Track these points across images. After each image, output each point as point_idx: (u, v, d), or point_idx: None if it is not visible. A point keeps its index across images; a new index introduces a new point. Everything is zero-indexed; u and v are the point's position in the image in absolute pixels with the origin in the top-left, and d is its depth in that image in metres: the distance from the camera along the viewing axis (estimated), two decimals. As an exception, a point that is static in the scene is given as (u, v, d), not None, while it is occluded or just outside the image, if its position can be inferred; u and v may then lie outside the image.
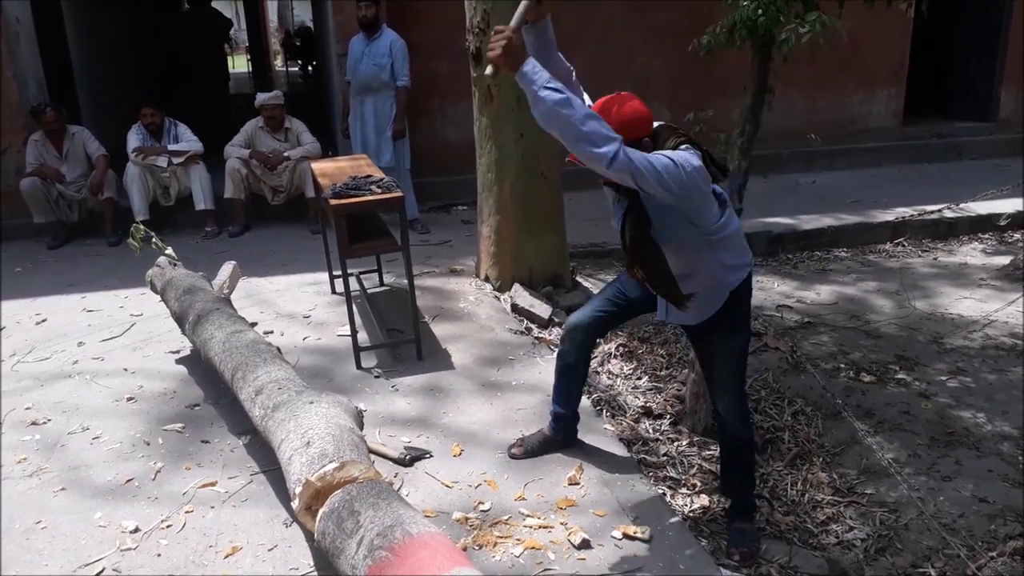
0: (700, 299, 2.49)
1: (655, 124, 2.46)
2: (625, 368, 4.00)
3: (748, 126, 3.24)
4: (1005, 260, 5.69)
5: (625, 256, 2.54)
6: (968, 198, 6.66)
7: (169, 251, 4.15)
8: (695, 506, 3.00)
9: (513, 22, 2.26)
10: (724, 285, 2.51)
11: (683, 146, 2.37)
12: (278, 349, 3.23)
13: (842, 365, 4.09)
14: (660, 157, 2.25)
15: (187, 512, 2.71)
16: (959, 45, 8.90)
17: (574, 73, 2.56)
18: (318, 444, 2.35)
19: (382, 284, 4.97)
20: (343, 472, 2.23)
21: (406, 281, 3.84)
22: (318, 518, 2.19)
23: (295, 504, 2.25)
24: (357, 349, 3.80)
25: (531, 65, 2.21)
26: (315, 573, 2.39)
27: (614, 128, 2.22)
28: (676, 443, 3.40)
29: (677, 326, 3.01)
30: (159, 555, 2.49)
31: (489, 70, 2.28)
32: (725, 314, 2.55)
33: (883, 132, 8.27)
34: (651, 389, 3.82)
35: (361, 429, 2.70)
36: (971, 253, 6.03)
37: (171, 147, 6.24)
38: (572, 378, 3.03)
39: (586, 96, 2.57)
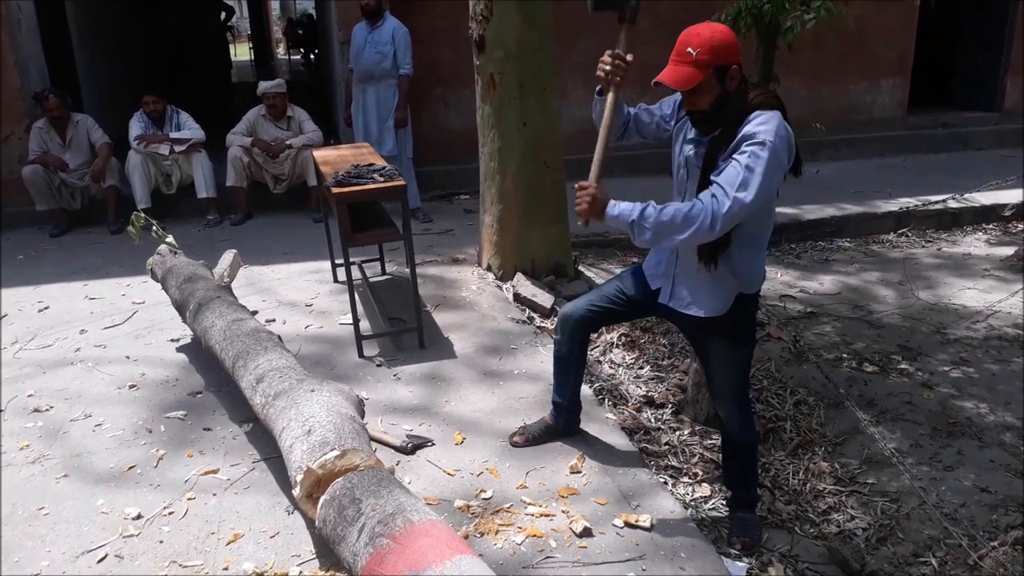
0: (709, 290, 2.45)
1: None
2: (627, 357, 4.00)
3: (752, 115, 3.22)
4: (1009, 251, 5.67)
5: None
6: (972, 188, 6.64)
7: (170, 239, 4.15)
8: (696, 495, 3.01)
9: (593, 176, 2.35)
10: (735, 286, 2.44)
11: (779, 116, 2.24)
12: (279, 337, 3.23)
13: (845, 355, 4.08)
14: (754, 163, 2.15)
15: (189, 499, 2.71)
16: (965, 34, 8.85)
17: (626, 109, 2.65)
18: (319, 432, 2.35)
19: (384, 273, 4.97)
20: (344, 460, 2.24)
21: (408, 270, 3.83)
22: (319, 506, 2.19)
23: (296, 492, 2.26)
24: (359, 337, 3.80)
25: (615, 208, 2.29)
26: (317, 560, 2.39)
27: (705, 52, 2.20)
28: (678, 432, 3.40)
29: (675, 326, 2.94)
30: (161, 541, 2.50)
31: (580, 222, 2.41)
32: (728, 320, 2.48)
33: (888, 122, 8.24)
34: (653, 378, 3.82)
35: (362, 417, 2.70)
36: (975, 243, 6.01)
37: (173, 135, 6.23)
38: (566, 369, 2.96)
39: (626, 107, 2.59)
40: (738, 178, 2.16)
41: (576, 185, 2.36)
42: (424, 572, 1.78)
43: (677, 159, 2.53)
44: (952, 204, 6.42)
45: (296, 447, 2.35)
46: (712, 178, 2.24)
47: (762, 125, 2.19)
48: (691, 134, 2.44)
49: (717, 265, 2.39)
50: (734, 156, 2.20)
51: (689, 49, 2.22)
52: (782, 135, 2.19)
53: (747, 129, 2.20)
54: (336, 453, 2.24)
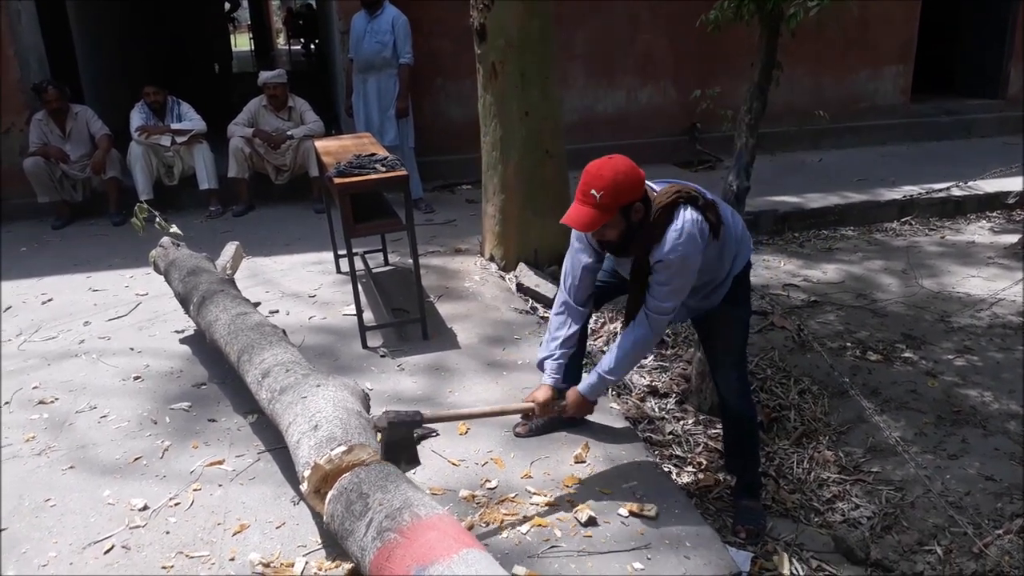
0: (714, 295, 2.60)
1: (655, 183, 2.48)
2: (631, 347, 3.99)
3: (755, 103, 3.21)
4: (1013, 238, 5.66)
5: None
6: (976, 176, 6.62)
7: (174, 229, 4.14)
8: (701, 484, 3.01)
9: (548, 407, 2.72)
10: (730, 278, 2.60)
11: (681, 208, 2.37)
12: (283, 331, 3.23)
13: (848, 344, 4.08)
14: (676, 280, 2.39)
15: (195, 490, 2.72)
16: (968, 21, 8.79)
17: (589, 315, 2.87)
18: (326, 427, 2.35)
19: (387, 264, 4.96)
20: (351, 455, 2.24)
21: (411, 260, 3.83)
22: (327, 501, 2.19)
23: (304, 487, 2.26)
24: (363, 328, 3.80)
25: (592, 392, 2.65)
26: (323, 550, 2.40)
27: (608, 196, 2.28)
28: (682, 422, 3.41)
29: None
30: (168, 532, 2.50)
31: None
32: (728, 294, 2.62)
33: (891, 109, 8.20)
34: (657, 368, 3.82)
35: (368, 412, 2.70)
36: (978, 231, 5.99)
37: (174, 126, 6.21)
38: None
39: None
40: (658, 299, 2.44)
41: (556, 412, 2.75)
42: (431, 566, 1.78)
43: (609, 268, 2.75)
44: (956, 192, 6.40)
45: (303, 442, 2.35)
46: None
47: (667, 249, 2.35)
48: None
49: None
50: (651, 278, 2.44)
51: (593, 191, 2.30)
52: (686, 238, 2.34)
53: (656, 254, 2.38)
54: (343, 449, 2.24)
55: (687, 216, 2.36)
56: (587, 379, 2.63)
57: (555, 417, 3.05)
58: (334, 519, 2.14)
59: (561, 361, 2.72)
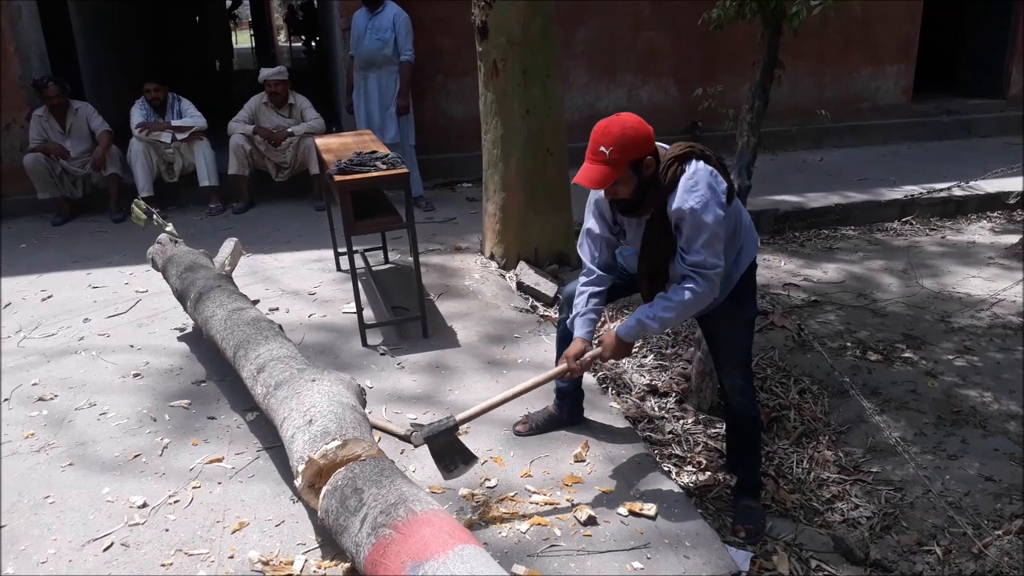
0: (723, 289, 2.55)
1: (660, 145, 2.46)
2: (631, 346, 3.99)
3: (757, 102, 3.21)
4: (1013, 239, 5.65)
5: (645, 280, 2.58)
6: (977, 176, 6.61)
7: (170, 227, 4.14)
8: (701, 483, 3.01)
9: (582, 360, 2.63)
10: (737, 274, 2.58)
11: (693, 160, 2.34)
12: (280, 326, 3.23)
13: (849, 344, 4.07)
14: (706, 226, 2.31)
15: (194, 488, 2.72)
16: (970, 20, 8.78)
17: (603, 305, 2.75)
18: (320, 422, 2.35)
19: (387, 261, 4.96)
20: (346, 450, 2.23)
21: (411, 258, 3.83)
22: (321, 496, 2.19)
23: (298, 482, 2.26)
24: (363, 326, 3.80)
25: (629, 334, 2.53)
26: (321, 549, 2.39)
27: (617, 151, 2.27)
28: (681, 421, 3.40)
29: None
30: (167, 530, 2.50)
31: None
32: (733, 292, 2.60)
33: (892, 109, 8.19)
34: (657, 367, 3.82)
35: (364, 407, 2.70)
36: (979, 232, 5.99)
37: (175, 123, 6.20)
38: None
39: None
40: (694, 254, 2.36)
41: (589, 364, 2.66)
42: (427, 562, 1.78)
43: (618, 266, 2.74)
44: (957, 192, 6.40)
45: (298, 437, 2.35)
46: (681, 261, 2.41)
47: (686, 198, 2.31)
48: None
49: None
50: (679, 241, 2.40)
51: (602, 148, 2.30)
52: (703, 185, 2.31)
53: (675, 206, 2.33)
54: (338, 443, 2.24)
55: (700, 166, 2.33)
56: (626, 321, 2.54)
57: (555, 416, 3.06)
58: (328, 514, 2.14)
59: (591, 316, 2.66)
